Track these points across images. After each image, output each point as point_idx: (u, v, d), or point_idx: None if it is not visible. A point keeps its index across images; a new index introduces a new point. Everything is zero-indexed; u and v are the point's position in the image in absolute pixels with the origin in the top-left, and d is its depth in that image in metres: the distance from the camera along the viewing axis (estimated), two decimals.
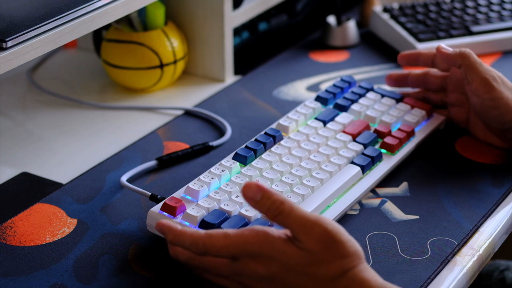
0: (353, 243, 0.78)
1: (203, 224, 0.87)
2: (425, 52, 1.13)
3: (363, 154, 1.01)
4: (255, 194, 0.79)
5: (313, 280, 0.78)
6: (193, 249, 0.81)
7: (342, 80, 1.16)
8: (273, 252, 0.78)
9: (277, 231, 0.79)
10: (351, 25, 1.37)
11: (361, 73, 1.28)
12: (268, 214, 0.79)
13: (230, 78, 1.27)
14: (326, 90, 1.13)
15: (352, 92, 1.13)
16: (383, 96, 1.13)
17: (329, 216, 0.92)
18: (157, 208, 0.90)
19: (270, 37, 1.38)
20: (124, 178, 1.00)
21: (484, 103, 1.04)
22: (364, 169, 0.99)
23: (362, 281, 0.78)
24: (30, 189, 1.01)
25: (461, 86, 1.09)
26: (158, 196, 0.96)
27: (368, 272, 0.78)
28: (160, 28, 1.21)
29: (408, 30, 1.34)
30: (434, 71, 1.12)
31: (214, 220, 0.87)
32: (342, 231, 0.78)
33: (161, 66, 1.21)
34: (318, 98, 1.11)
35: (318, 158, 0.99)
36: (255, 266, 0.79)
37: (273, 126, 1.06)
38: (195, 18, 1.24)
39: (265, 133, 1.02)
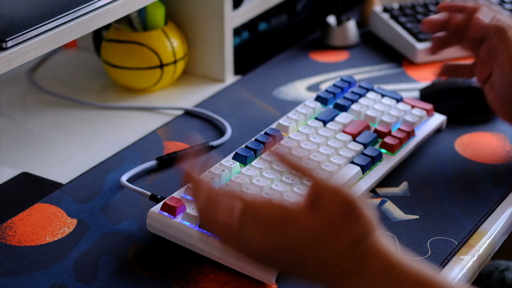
0: (370, 215, 0.75)
1: None
2: (470, 6, 1.08)
3: (363, 154, 1.01)
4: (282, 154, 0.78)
5: (327, 251, 0.75)
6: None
7: (342, 80, 1.16)
8: (288, 222, 0.75)
9: (292, 202, 0.78)
10: (351, 25, 1.37)
11: (361, 73, 1.28)
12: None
13: (230, 78, 1.27)
14: (326, 90, 1.13)
15: (352, 92, 1.13)
16: (383, 96, 1.13)
17: None
18: (157, 208, 0.90)
19: (270, 37, 1.38)
20: (124, 178, 1.00)
21: (505, 78, 1.02)
22: (364, 169, 0.99)
23: (379, 252, 0.75)
24: (30, 189, 1.01)
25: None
26: (158, 196, 0.96)
27: (383, 243, 0.75)
28: (160, 28, 1.21)
29: (408, 30, 1.34)
30: (480, 19, 1.06)
31: None
32: (360, 203, 0.75)
33: (161, 66, 1.21)
34: (318, 98, 1.11)
35: (318, 158, 0.99)
36: (267, 237, 0.76)
37: (273, 126, 1.06)
38: (195, 18, 1.24)
39: (265, 133, 1.02)
